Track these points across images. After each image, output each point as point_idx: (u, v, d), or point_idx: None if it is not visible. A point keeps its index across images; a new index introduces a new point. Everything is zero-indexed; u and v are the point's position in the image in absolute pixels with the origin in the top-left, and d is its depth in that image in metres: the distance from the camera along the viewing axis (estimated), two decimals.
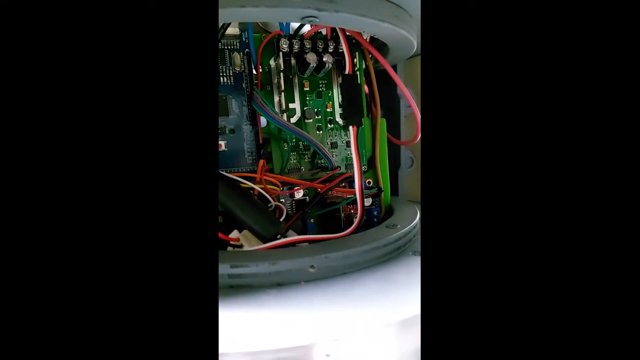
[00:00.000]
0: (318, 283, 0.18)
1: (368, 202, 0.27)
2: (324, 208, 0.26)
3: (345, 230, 0.26)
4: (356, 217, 0.25)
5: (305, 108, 0.27)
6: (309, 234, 0.27)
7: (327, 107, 0.27)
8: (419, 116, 0.26)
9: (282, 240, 0.20)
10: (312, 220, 0.26)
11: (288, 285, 0.18)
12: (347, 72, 0.23)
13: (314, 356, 0.14)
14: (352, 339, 0.14)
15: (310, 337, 0.14)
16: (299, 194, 0.26)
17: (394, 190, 0.31)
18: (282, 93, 0.26)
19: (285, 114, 0.26)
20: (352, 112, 0.21)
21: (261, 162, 0.23)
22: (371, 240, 0.20)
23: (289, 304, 0.16)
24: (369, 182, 0.28)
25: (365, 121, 0.28)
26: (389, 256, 0.21)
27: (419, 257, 0.21)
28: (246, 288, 0.18)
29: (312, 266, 0.19)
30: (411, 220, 0.24)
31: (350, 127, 0.21)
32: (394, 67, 0.28)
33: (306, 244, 0.20)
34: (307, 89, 0.27)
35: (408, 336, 0.16)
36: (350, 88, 0.22)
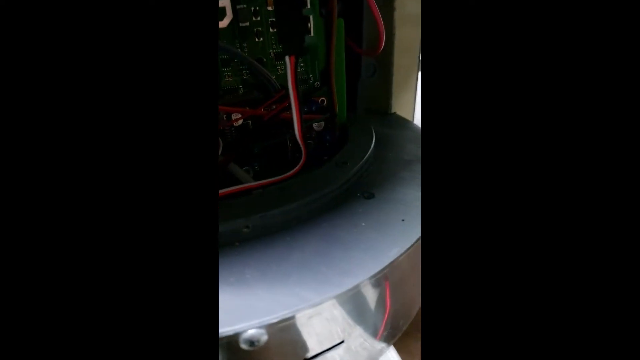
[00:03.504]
0: (253, 244, 0.17)
1: (320, 126, 0.24)
2: (268, 139, 0.22)
3: (292, 161, 0.24)
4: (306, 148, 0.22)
5: (238, 7, 0.21)
6: (254, 165, 0.24)
7: (267, 5, 0.21)
8: (380, 22, 0.21)
9: None
10: (256, 150, 0.23)
11: (221, 248, 0.17)
12: None
13: (240, 342, 0.13)
14: (286, 323, 0.14)
15: (237, 323, 0.13)
16: (238, 123, 0.22)
17: (352, 103, 0.28)
18: None
19: None
20: (290, 37, 0.16)
21: None
22: (316, 188, 0.18)
23: (221, 278, 0.15)
24: (323, 101, 0.24)
25: (318, 22, 0.22)
26: (335, 201, 0.19)
27: (369, 201, 0.19)
28: None
29: (246, 226, 0.17)
30: (364, 152, 0.22)
31: (287, 58, 0.17)
32: None
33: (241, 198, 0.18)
34: None
35: (349, 309, 0.16)
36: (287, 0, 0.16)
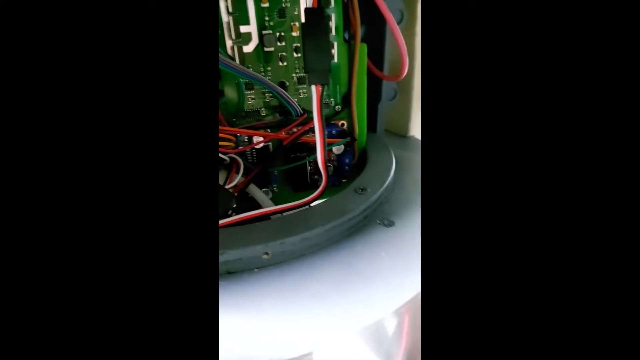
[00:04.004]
0: (272, 272, 0.17)
1: (340, 150, 0.24)
2: (288, 162, 0.22)
3: (311, 183, 0.24)
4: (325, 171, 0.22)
5: (264, 32, 0.21)
6: (274, 186, 0.24)
7: (292, 30, 0.22)
8: (403, 47, 0.21)
9: (234, 217, 0.18)
10: (276, 172, 0.24)
11: (239, 273, 0.16)
12: (310, 4, 0.17)
13: None
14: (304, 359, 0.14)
15: (256, 357, 0.13)
16: (259, 145, 0.22)
17: (372, 125, 0.28)
18: (231, 14, 0.20)
19: (234, 46, 0.20)
20: (316, 65, 0.16)
21: None
22: (335, 215, 0.18)
23: (237, 306, 0.15)
24: (343, 125, 0.24)
25: (341, 47, 0.22)
26: (354, 228, 0.19)
27: (389, 230, 0.19)
28: None
29: (266, 253, 0.17)
30: (384, 179, 0.21)
31: (313, 87, 0.17)
32: None
33: (258, 223, 0.18)
34: (266, 4, 0.21)
35: (371, 344, 0.15)
36: (313, 30, 0.16)
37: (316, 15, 0.16)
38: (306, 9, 0.17)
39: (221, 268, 0.16)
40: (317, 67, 0.16)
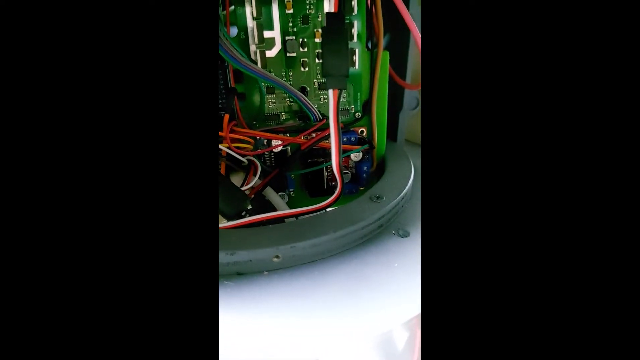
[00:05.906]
0: (281, 275, 0.16)
1: (358, 157, 0.24)
2: (306, 167, 0.22)
3: (327, 189, 0.24)
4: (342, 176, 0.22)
5: (287, 38, 0.21)
6: (290, 190, 0.24)
7: (315, 37, 0.22)
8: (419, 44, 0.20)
9: (247, 219, 0.18)
10: (292, 177, 0.24)
11: (249, 275, 0.16)
12: (331, 8, 0.17)
13: None
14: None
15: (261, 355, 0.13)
16: (277, 149, 0.22)
17: (392, 134, 0.27)
18: (256, 20, 0.20)
19: (257, 51, 0.21)
20: (335, 70, 0.16)
21: (226, 117, 0.19)
22: (348, 223, 0.18)
23: (244, 308, 0.15)
24: (362, 132, 0.24)
25: (364, 55, 0.22)
26: (368, 237, 0.19)
27: (404, 240, 0.19)
28: None
29: (276, 256, 0.17)
30: (401, 188, 0.21)
31: (330, 91, 0.17)
32: None
33: (271, 226, 0.18)
34: (290, 11, 0.21)
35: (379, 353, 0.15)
36: (333, 34, 0.16)
37: (336, 19, 0.16)
38: (327, 13, 0.17)
39: (230, 269, 0.16)
40: (335, 72, 0.16)
